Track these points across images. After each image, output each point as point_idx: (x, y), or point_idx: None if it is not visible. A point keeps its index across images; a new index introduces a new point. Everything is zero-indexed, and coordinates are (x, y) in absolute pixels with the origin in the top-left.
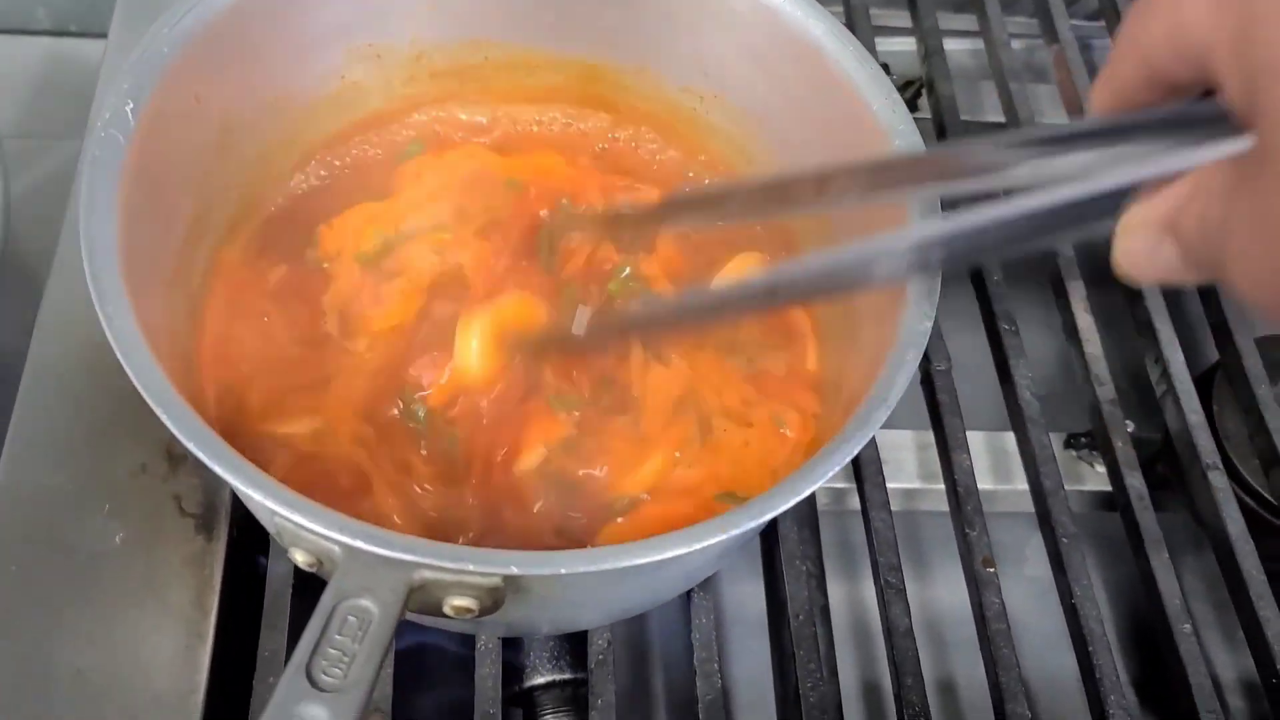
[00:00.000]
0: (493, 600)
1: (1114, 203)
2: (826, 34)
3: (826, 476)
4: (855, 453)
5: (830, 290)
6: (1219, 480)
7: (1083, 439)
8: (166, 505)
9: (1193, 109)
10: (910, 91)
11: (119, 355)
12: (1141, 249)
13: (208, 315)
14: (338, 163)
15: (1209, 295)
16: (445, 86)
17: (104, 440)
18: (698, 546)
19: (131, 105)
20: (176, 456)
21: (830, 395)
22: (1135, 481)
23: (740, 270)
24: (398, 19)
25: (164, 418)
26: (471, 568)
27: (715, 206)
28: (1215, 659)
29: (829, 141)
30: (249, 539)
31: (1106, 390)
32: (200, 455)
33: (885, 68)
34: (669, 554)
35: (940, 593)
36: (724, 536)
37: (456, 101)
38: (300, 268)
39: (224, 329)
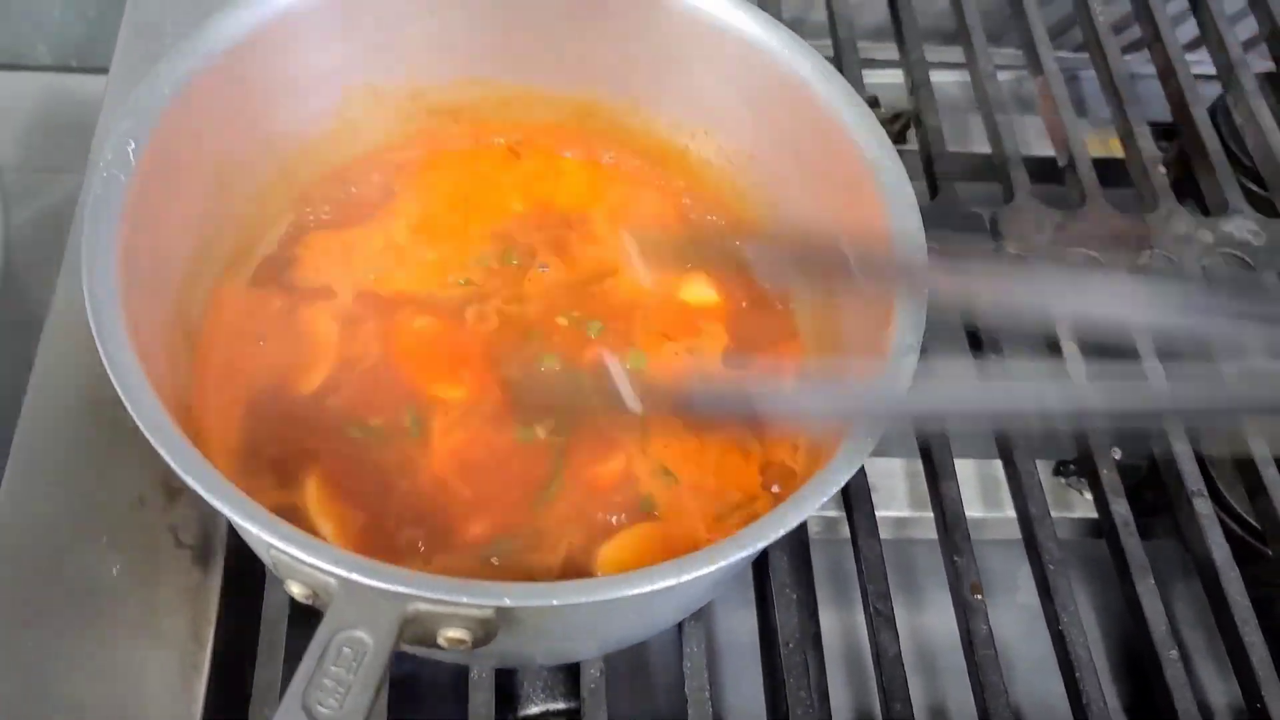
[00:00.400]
0: (485, 632)
1: None
2: (814, 73)
3: (815, 507)
4: (844, 482)
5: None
6: (1204, 507)
7: (1070, 466)
8: (164, 537)
9: None
10: (899, 124)
11: (119, 391)
12: None
13: (206, 349)
14: (334, 199)
15: None
16: (441, 123)
17: (103, 472)
18: (688, 577)
19: (133, 145)
20: (174, 489)
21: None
22: (1121, 508)
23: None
24: (396, 58)
25: (164, 453)
26: (465, 600)
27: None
28: (1204, 685)
29: (816, 177)
30: (245, 571)
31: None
32: (198, 489)
33: (874, 100)
34: (660, 585)
35: (931, 620)
36: (713, 567)
37: (452, 136)
38: (293, 299)
39: (222, 362)
